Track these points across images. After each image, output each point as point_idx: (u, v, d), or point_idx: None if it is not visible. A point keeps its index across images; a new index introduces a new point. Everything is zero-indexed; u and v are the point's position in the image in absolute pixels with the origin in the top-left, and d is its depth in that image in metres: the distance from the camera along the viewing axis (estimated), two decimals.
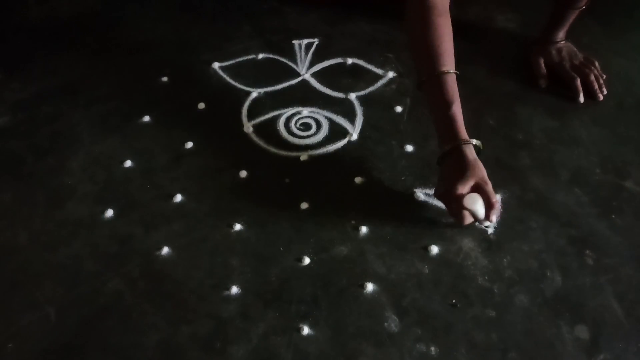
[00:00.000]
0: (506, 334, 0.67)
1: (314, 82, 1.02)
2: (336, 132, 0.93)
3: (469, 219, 0.74)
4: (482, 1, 1.20)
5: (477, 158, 0.74)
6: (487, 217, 0.73)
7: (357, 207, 0.81)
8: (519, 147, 0.89)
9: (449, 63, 0.77)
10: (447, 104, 0.75)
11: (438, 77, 0.76)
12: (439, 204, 0.80)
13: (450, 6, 0.82)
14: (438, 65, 0.76)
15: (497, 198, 0.74)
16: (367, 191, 0.84)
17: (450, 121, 0.75)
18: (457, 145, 0.73)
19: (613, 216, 0.79)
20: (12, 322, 0.70)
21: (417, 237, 0.77)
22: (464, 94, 0.99)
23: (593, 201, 0.81)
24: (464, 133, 0.75)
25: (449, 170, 0.74)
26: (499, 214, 0.77)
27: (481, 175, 0.73)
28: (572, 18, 0.98)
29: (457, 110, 0.76)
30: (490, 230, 0.78)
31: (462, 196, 0.71)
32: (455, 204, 0.72)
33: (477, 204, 0.71)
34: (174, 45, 1.13)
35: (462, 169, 0.72)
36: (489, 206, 0.72)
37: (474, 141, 0.75)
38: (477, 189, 0.72)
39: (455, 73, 0.77)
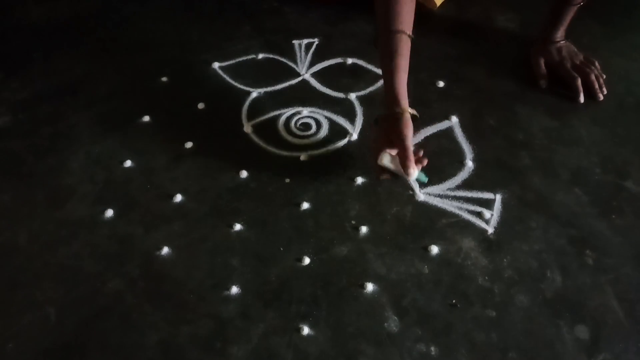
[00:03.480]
0: (506, 334, 0.67)
1: (314, 82, 1.02)
2: (336, 132, 0.93)
3: (384, 175, 0.78)
4: (482, 1, 1.20)
5: (408, 122, 0.76)
6: (406, 171, 0.75)
7: (357, 207, 0.81)
8: (519, 147, 0.89)
9: (405, 25, 0.81)
10: (392, 58, 0.79)
11: (391, 34, 0.80)
12: (439, 203, 0.81)
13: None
14: (394, 24, 0.80)
15: (411, 158, 0.75)
16: (367, 191, 0.84)
17: (390, 79, 0.79)
18: (393, 112, 0.77)
19: (613, 216, 0.79)
20: (12, 322, 0.70)
21: (417, 237, 0.77)
22: (464, 94, 0.99)
23: (593, 201, 0.81)
24: (403, 100, 0.78)
25: (380, 129, 0.79)
26: (416, 169, 0.77)
27: (399, 131, 0.75)
28: (570, 15, 0.98)
29: (399, 64, 0.79)
30: (491, 230, 0.78)
31: (376, 153, 0.76)
32: (373, 162, 0.78)
33: (385, 160, 0.76)
34: (174, 45, 1.13)
35: (382, 127, 0.78)
36: (403, 166, 0.75)
37: (411, 110, 0.77)
38: (396, 144, 0.76)
39: (410, 36, 0.81)
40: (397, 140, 0.75)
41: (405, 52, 0.80)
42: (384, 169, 0.77)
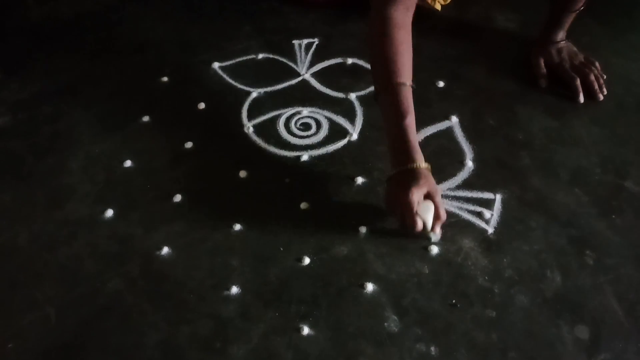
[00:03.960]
0: (506, 334, 0.67)
1: (314, 82, 1.02)
2: (336, 132, 0.93)
3: (421, 225, 0.73)
4: (482, 1, 1.20)
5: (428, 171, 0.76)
6: (433, 228, 0.74)
7: (357, 207, 0.81)
8: (519, 147, 0.89)
9: (405, 76, 0.78)
10: (401, 116, 0.76)
11: (394, 88, 0.77)
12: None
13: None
14: (395, 77, 0.77)
15: (444, 211, 0.75)
16: (367, 191, 0.84)
17: (403, 136, 0.75)
18: (419, 167, 0.74)
19: (613, 216, 0.79)
20: (12, 322, 0.70)
21: (417, 237, 0.77)
22: (464, 94, 0.99)
23: (593, 201, 0.81)
24: (415, 156, 0.75)
25: (402, 179, 0.74)
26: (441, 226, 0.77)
27: (433, 184, 0.75)
28: (570, 19, 0.98)
29: (411, 122, 0.76)
30: (491, 230, 0.78)
31: (416, 202, 0.72)
32: (409, 210, 0.72)
33: (429, 213, 0.73)
34: (174, 45, 1.13)
35: (415, 177, 0.73)
36: (436, 217, 0.74)
37: (424, 165, 0.75)
38: (429, 198, 0.74)
39: (412, 86, 0.78)
40: (434, 194, 0.74)
41: (412, 106, 0.77)
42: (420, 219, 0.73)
